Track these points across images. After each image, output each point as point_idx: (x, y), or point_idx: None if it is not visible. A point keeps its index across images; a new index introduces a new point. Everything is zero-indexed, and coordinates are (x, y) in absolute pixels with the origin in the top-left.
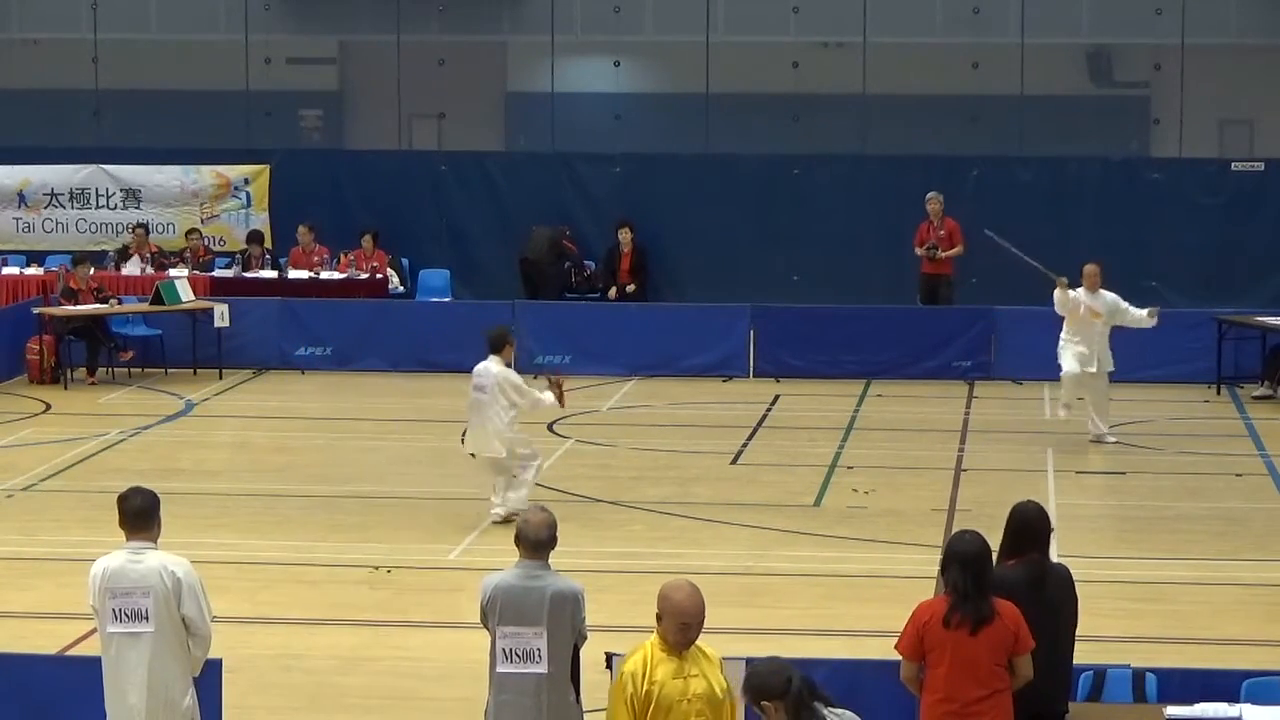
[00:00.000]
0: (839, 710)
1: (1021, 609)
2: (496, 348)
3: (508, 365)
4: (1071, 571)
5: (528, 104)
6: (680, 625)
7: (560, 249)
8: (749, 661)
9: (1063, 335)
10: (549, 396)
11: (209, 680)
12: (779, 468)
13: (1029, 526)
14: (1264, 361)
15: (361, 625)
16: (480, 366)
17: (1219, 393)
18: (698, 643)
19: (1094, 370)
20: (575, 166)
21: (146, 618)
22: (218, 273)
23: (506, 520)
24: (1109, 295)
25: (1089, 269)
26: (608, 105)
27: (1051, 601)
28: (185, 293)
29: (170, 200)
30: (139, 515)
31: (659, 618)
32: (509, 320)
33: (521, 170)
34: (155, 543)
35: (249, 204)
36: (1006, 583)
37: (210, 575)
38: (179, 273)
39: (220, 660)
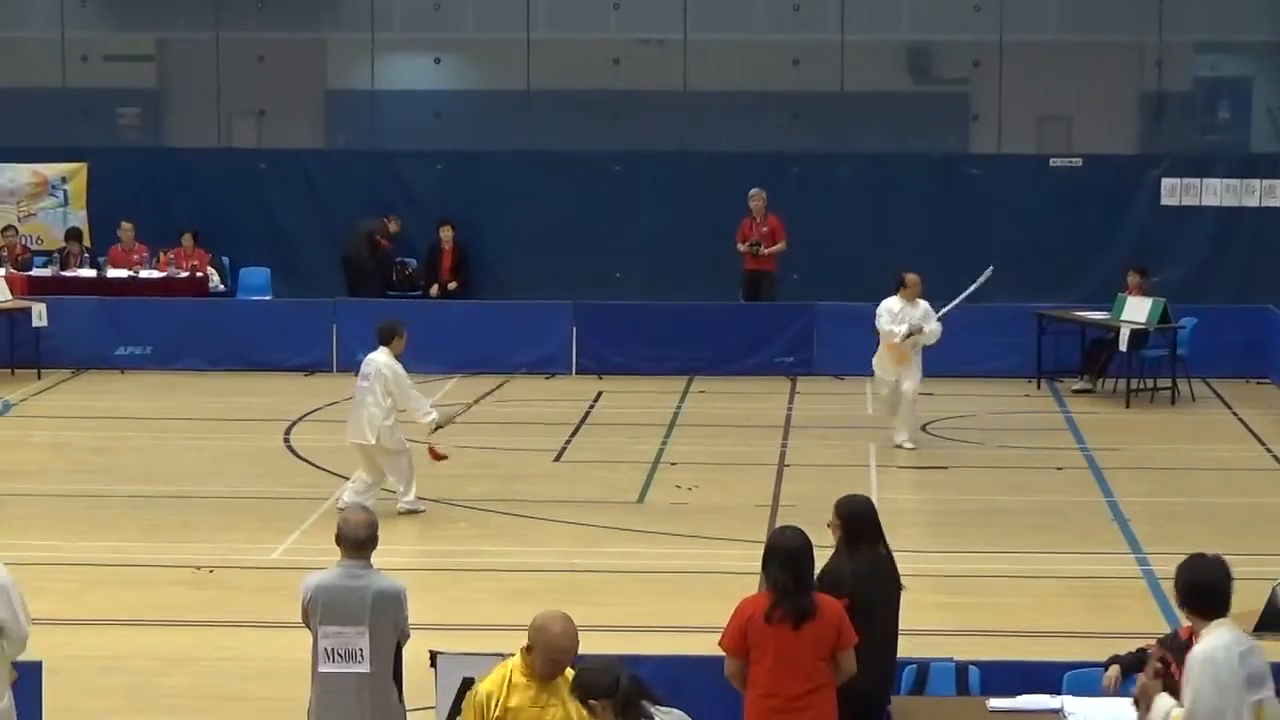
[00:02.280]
0: (668, 709)
1: (867, 600)
2: (385, 339)
3: (396, 358)
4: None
5: (348, 101)
6: (552, 660)
7: (372, 242)
8: (576, 659)
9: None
10: (430, 411)
11: (28, 682)
12: (602, 464)
13: (866, 518)
14: (1083, 356)
15: (184, 626)
16: (369, 356)
17: (1039, 387)
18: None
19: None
20: (396, 164)
21: None
22: (35, 272)
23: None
24: (925, 309)
25: (911, 278)
26: (428, 103)
27: (890, 592)
28: (1, 292)
29: None
30: None
31: (529, 648)
32: (329, 318)
33: (342, 168)
34: None
35: (66, 202)
36: (858, 575)
37: (30, 577)
38: None
39: (40, 662)
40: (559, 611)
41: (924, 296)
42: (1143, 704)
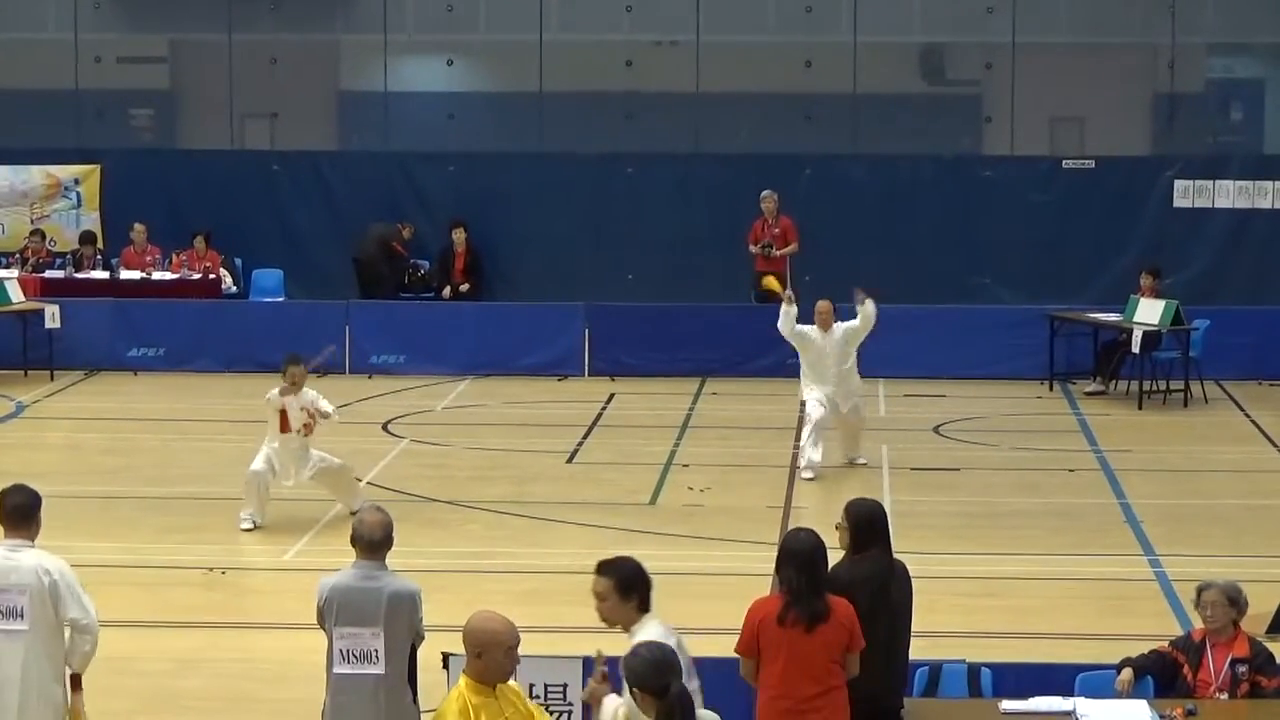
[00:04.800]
0: (702, 712)
1: (868, 604)
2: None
3: (288, 387)
4: (908, 567)
5: (361, 103)
6: (507, 650)
7: (389, 249)
8: (586, 660)
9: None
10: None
11: None
12: (615, 466)
13: (873, 522)
14: (1095, 357)
15: (197, 627)
16: None
17: (1052, 389)
18: None
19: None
20: (409, 166)
21: (21, 616)
22: (49, 273)
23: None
24: (841, 328)
25: (822, 305)
26: (441, 104)
27: (896, 597)
28: (14, 293)
29: None
30: (17, 513)
31: (477, 656)
32: (342, 319)
33: (355, 170)
34: (33, 541)
35: (79, 204)
36: (856, 579)
37: None
38: (8, 273)
39: None
40: (482, 611)
41: (932, 298)
42: (593, 706)
